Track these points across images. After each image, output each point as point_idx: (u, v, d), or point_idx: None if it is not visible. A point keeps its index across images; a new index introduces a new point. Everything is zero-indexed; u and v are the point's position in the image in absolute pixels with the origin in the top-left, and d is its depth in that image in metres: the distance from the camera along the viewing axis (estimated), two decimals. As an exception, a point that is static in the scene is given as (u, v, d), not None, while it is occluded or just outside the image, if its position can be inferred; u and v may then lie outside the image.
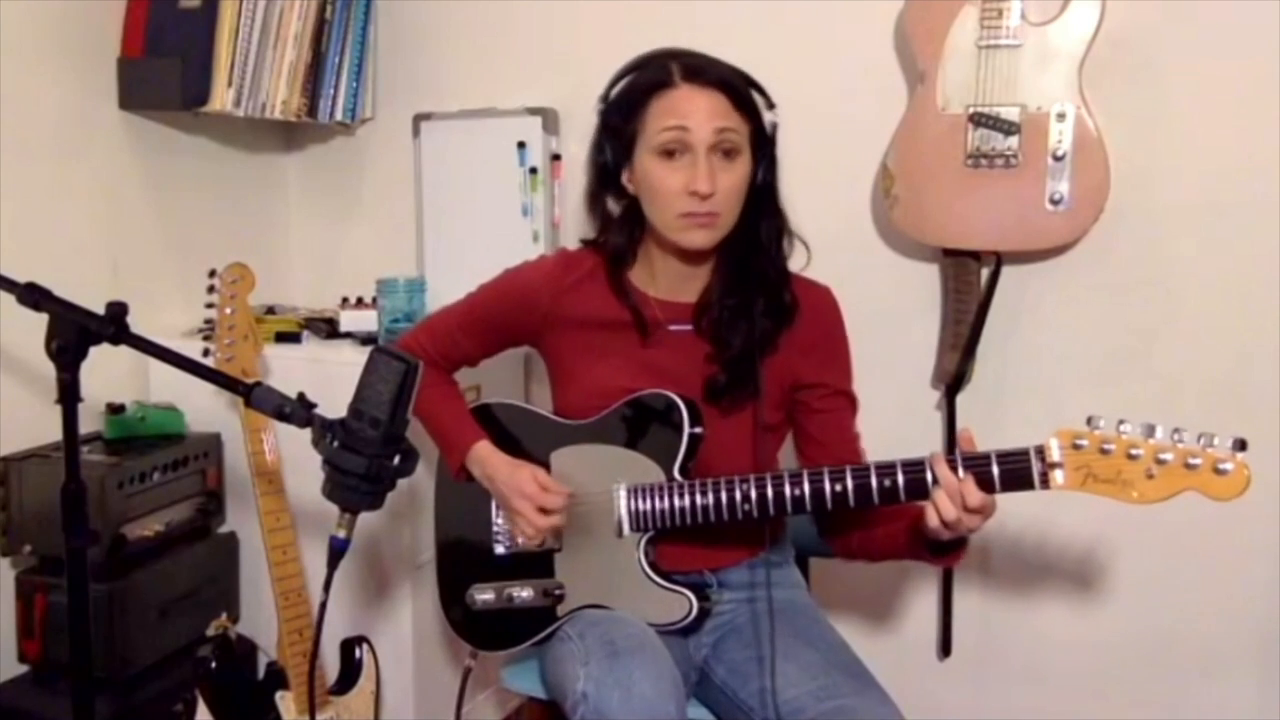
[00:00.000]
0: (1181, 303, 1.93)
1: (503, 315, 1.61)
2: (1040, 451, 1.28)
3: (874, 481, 1.35)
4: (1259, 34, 1.81)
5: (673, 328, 1.53)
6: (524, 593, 1.54)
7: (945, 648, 2.14)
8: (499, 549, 1.59)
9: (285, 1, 2.21)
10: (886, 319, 2.10)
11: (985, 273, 1.99)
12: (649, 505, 1.46)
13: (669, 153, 1.42)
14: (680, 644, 1.50)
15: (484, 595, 1.56)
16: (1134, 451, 1.23)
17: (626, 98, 1.47)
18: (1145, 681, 2.01)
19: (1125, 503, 1.25)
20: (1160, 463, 1.22)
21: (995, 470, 1.30)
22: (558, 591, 1.52)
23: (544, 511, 1.48)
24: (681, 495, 1.44)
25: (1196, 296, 1.92)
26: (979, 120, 1.87)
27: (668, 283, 1.54)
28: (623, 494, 1.47)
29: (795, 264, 1.57)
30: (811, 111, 2.10)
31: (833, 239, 2.05)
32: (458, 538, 1.63)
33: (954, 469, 1.31)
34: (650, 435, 1.48)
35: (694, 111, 1.41)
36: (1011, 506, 1.34)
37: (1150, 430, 1.23)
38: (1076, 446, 1.26)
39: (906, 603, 2.18)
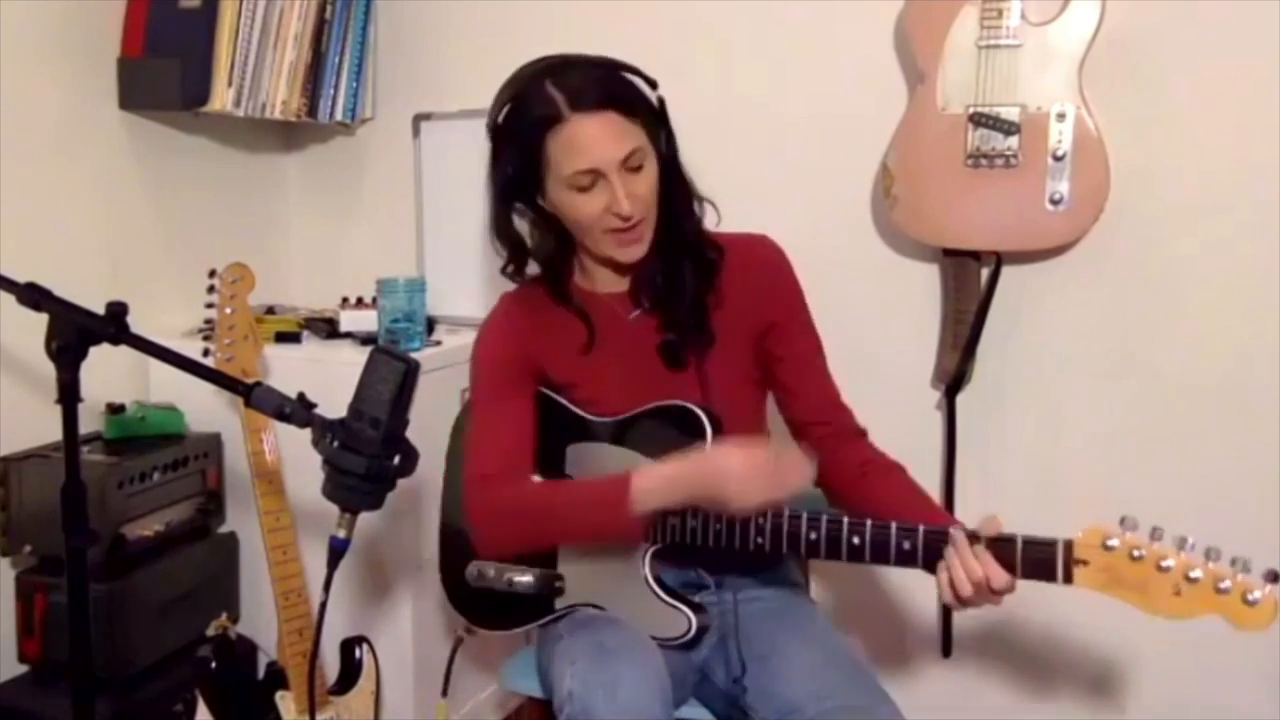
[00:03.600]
0: (1181, 303, 1.93)
1: (514, 372, 1.56)
2: (1068, 546, 1.25)
3: (893, 540, 1.32)
4: (1259, 34, 1.81)
5: (630, 317, 1.54)
6: (524, 578, 1.52)
7: (945, 648, 2.14)
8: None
9: (285, 1, 2.21)
10: (886, 319, 2.11)
11: (985, 273, 1.99)
12: (661, 518, 1.44)
13: (582, 182, 1.41)
14: (680, 644, 1.50)
15: (486, 573, 1.53)
16: (1165, 564, 1.19)
17: (517, 131, 1.43)
18: (1146, 680, 2.01)
19: (1144, 612, 1.22)
20: (1190, 580, 1.19)
21: (1019, 556, 1.27)
22: (558, 584, 1.52)
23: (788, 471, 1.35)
24: (695, 514, 1.42)
25: (1196, 296, 1.92)
26: (979, 120, 1.87)
27: (604, 279, 1.55)
28: None
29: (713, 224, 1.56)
30: (811, 111, 2.12)
31: (833, 239, 2.08)
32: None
33: (973, 541, 1.28)
34: (669, 446, 1.44)
35: (595, 145, 1.39)
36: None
37: (1182, 543, 1.20)
38: (1107, 547, 1.22)
39: (906, 603, 2.18)
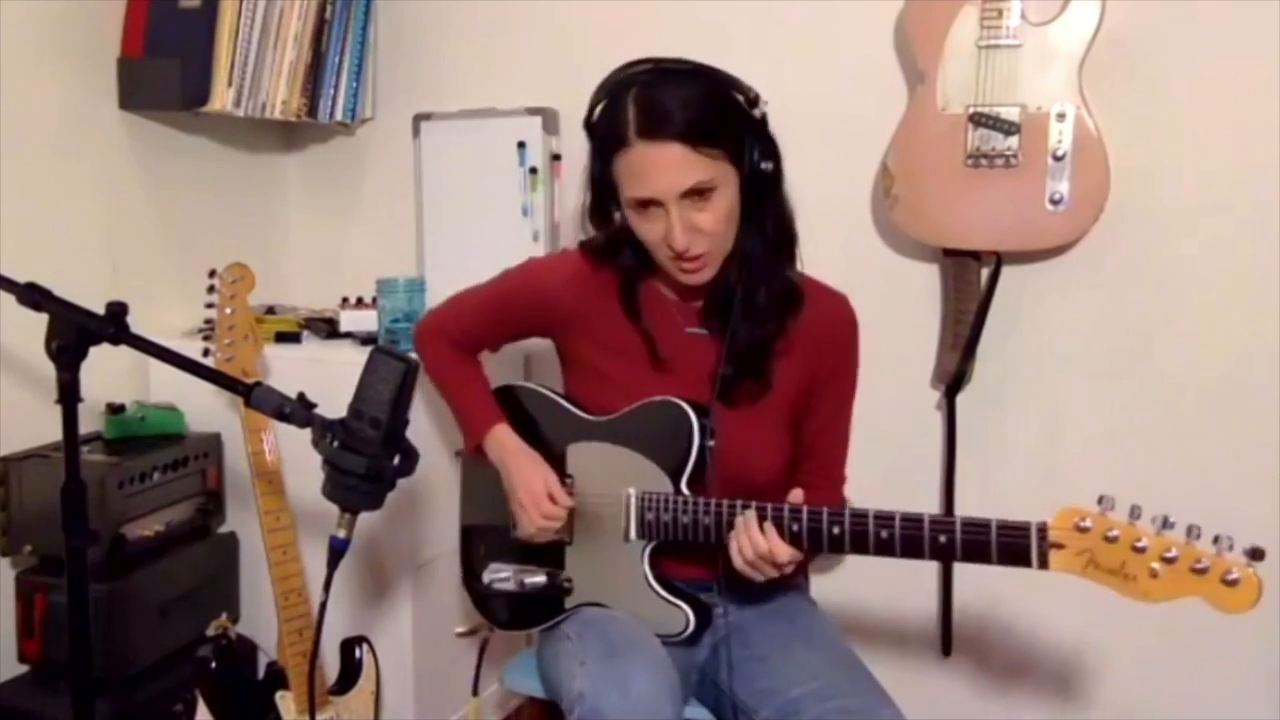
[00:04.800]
0: (1181, 303, 1.93)
1: (526, 308, 1.61)
2: (1042, 530, 1.21)
3: (871, 529, 1.32)
4: (1259, 34, 1.82)
5: (689, 331, 1.53)
6: (535, 579, 1.56)
7: (945, 648, 2.14)
8: (513, 532, 1.59)
9: (285, 1, 2.21)
10: (886, 319, 2.09)
11: (985, 273, 1.99)
12: (654, 516, 1.45)
13: (643, 206, 1.40)
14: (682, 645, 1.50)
15: (501, 574, 1.58)
16: (1139, 544, 1.15)
17: (596, 139, 1.43)
18: (1149, 679, 2.01)
19: (1124, 597, 1.17)
20: (1166, 561, 1.13)
21: (993, 543, 1.24)
22: (566, 584, 1.54)
23: (545, 516, 1.49)
24: (687, 511, 1.43)
25: (1196, 296, 1.92)
26: (979, 120, 1.87)
27: (680, 287, 1.52)
28: (633, 500, 1.47)
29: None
30: (811, 111, 2.10)
31: (833, 239, 2.07)
32: (483, 513, 1.65)
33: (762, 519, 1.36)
34: (663, 443, 1.47)
35: (654, 177, 1.36)
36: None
37: (1164, 523, 1.15)
38: (1081, 528, 1.18)
39: (906, 603, 2.18)
